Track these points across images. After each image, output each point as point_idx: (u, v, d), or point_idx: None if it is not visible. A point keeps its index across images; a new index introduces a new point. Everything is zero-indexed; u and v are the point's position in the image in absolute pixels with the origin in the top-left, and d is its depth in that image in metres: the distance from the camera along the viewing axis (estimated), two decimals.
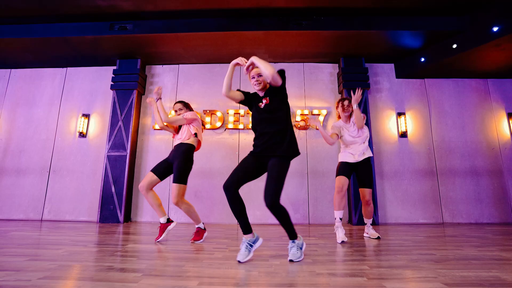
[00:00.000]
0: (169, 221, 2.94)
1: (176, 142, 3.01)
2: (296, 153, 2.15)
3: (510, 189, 4.76)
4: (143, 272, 1.78)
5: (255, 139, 2.21)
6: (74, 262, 1.99)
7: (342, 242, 2.81)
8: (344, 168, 3.02)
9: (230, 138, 5.06)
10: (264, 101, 2.19)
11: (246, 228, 2.13)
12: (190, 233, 3.53)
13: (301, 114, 5.06)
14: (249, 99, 2.29)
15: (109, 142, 4.98)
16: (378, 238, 3.08)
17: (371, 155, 3.08)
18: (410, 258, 2.19)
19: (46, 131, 5.36)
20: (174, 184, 2.77)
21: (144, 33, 4.51)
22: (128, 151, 4.92)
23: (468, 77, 5.22)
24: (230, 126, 5.07)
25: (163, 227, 2.90)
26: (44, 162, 5.23)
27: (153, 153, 5.16)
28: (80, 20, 4.54)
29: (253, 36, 4.57)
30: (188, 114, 2.99)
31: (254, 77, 2.24)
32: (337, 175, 3.02)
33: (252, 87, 2.26)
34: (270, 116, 2.14)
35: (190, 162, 2.92)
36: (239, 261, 2.01)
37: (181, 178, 2.79)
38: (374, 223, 4.37)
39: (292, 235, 2.12)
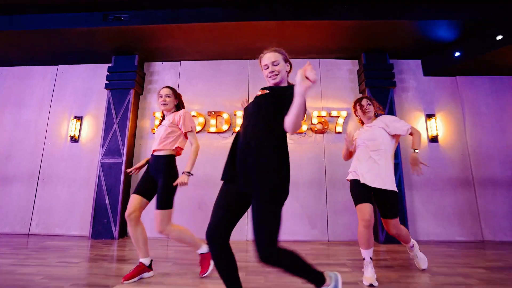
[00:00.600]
0: (150, 267, 2.29)
1: (155, 147, 2.35)
2: None
3: None
4: None
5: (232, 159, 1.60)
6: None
7: (371, 285, 2.06)
8: (362, 192, 2.29)
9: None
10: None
11: None
12: (191, 256, 2.99)
13: (317, 116, 4.49)
14: None
15: (103, 147, 4.45)
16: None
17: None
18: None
19: (35, 135, 4.85)
20: (158, 211, 2.18)
21: (141, 24, 3.97)
22: (124, 157, 4.39)
23: (506, 74, 4.61)
24: (238, 129, 4.52)
25: (140, 269, 2.22)
26: (32, 169, 4.72)
27: None
28: (71, 10, 4.01)
29: (264, 28, 4.01)
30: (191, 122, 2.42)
31: (267, 67, 1.60)
32: (357, 201, 2.26)
33: (266, 80, 1.65)
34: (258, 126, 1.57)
35: (176, 177, 2.32)
36: None
37: (168, 202, 2.23)
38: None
39: (317, 281, 1.46)
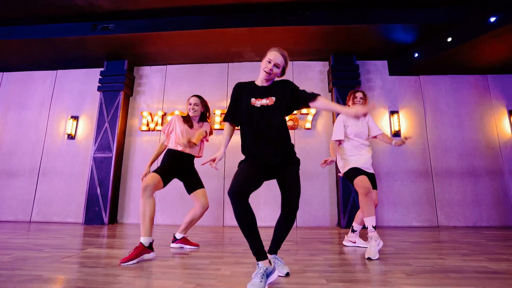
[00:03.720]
0: (151, 247, 2.28)
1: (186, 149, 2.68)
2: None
3: (511, 190, 4.49)
4: (68, 283, 1.67)
5: (251, 140, 1.83)
6: (7, 271, 1.88)
7: (369, 259, 2.27)
8: (358, 170, 2.61)
9: (217, 139, 4.94)
10: (263, 102, 1.80)
11: (261, 249, 1.63)
12: (169, 237, 3.43)
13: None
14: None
15: (95, 143, 4.94)
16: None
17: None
18: (381, 270, 2.02)
19: (36, 134, 5.37)
20: (203, 188, 2.74)
21: (126, 33, 4.44)
22: (114, 152, 4.87)
23: (466, 73, 4.95)
24: (217, 126, 4.96)
25: (140, 251, 2.19)
26: (33, 164, 5.23)
27: (140, 154, 5.10)
28: (63, 21, 4.51)
29: (237, 33, 4.44)
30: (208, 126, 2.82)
31: (270, 62, 1.80)
32: (356, 175, 2.53)
33: (260, 73, 1.85)
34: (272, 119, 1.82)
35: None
36: None
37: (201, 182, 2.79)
38: (364, 227, 4.15)
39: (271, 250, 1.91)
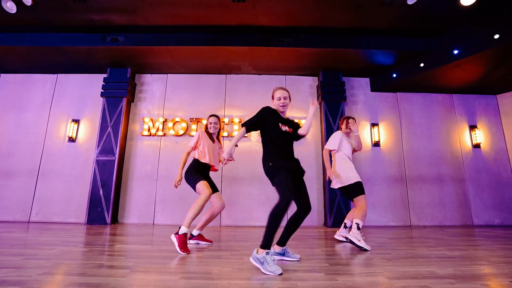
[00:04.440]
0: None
1: (213, 163, 3.17)
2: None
3: (470, 195, 5.23)
4: (131, 268, 2.05)
5: (285, 158, 2.36)
6: (68, 260, 2.23)
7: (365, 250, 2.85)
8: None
9: None
10: (287, 128, 2.42)
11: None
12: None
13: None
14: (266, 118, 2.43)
15: (98, 147, 5.16)
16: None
17: None
18: (367, 257, 2.54)
19: (35, 135, 5.49)
20: (218, 192, 3.17)
21: (134, 45, 4.75)
22: (117, 156, 5.13)
23: (436, 92, 5.69)
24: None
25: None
26: (32, 165, 5.35)
27: (141, 158, 5.38)
28: (75, 31, 4.74)
29: (238, 51, 4.88)
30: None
31: (280, 99, 2.42)
32: (362, 193, 3.14)
33: (277, 107, 2.45)
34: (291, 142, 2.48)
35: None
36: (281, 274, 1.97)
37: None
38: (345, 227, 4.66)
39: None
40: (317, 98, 5.60)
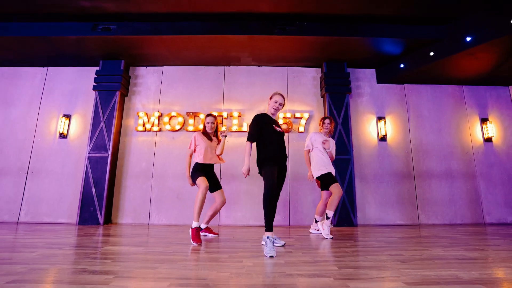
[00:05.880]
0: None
1: (214, 161, 3.35)
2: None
3: (482, 191, 4.98)
4: (115, 274, 1.80)
5: (275, 151, 2.70)
6: (47, 265, 1.98)
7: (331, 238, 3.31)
8: (332, 177, 3.54)
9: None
10: (279, 129, 2.81)
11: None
12: (169, 235, 3.54)
13: (283, 118, 5.13)
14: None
15: (90, 143, 4.91)
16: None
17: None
18: (379, 259, 2.28)
19: (24, 132, 5.24)
20: (221, 189, 3.42)
21: (128, 35, 4.49)
22: (110, 152, 4.87)
23: (445, 83, 5.43)
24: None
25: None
26: (21, 163, 5.11)
27: (135, 154, 5.13)
28: (63, 20, 4.48)
29: (237, 40, 4.62)
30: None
31: (277, 102, 2.80)
32: (333, 182, 3.42)
33: (269, 108, 2.82)
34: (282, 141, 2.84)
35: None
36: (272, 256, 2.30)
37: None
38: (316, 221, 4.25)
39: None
40: (321, 90, 5.33)
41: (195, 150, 3.34)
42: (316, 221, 3.69)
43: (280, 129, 2.82)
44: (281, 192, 4.80)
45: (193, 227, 2.99)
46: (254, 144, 2.77)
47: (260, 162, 2.69)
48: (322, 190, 3.62)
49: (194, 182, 3.19)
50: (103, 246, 2.79)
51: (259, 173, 2.71)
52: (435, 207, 4.88)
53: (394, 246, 2.87)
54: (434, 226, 4.66)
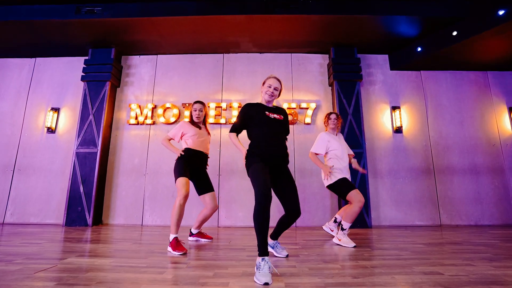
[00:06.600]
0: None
1: (203, 149, 2.93)
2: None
3: None
4: None
5: (267, 145, 2.12)
6: None
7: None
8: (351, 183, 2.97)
9: (212, 134, 4.64)
10: (275, 115, 2.21)
11: (267, 246, 1.94)
12: (157, 240, 3.13)
13: (288, 108, 4.67)
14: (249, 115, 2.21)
15: (78, 138, 4.53)
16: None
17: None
18: (412, 280, 1.73)
19: (11, 126, 4.89)
20: (213, 192, 2.96)
21: (114, 17, 4.07)
22: (99, 147, 4.49)
23: (466, 69, 4.88)
24: (211, 120, 4.66)
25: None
26: (8, 160, 4.76)
27: (127, 149, 4.73)
28: (44, 2, 4.09)
29: (235, 21, 4.16)
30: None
31: (271, 86, 2.21)
32: (351, 189, 2.85)
33: (262, 95, 2.26)
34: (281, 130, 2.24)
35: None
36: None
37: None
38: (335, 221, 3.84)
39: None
40: (329, 78, 4.84)
41: (181, 139, 2.92)
42: (335, 221, 3.27)
43: (277, 116, 2.20)
44: None
45: (171, 240, 2.53)
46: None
47: (247, 160, 2.12)
48: (342, 199, 3.05)
49: (175, 173, 2.69)
50: (67, 257, 2.33)
51: (248, 175, 2.10)
52: (458, 206, 4.36)
53: (423, 257, 2.34)
54: (458, 227, 4.14)
